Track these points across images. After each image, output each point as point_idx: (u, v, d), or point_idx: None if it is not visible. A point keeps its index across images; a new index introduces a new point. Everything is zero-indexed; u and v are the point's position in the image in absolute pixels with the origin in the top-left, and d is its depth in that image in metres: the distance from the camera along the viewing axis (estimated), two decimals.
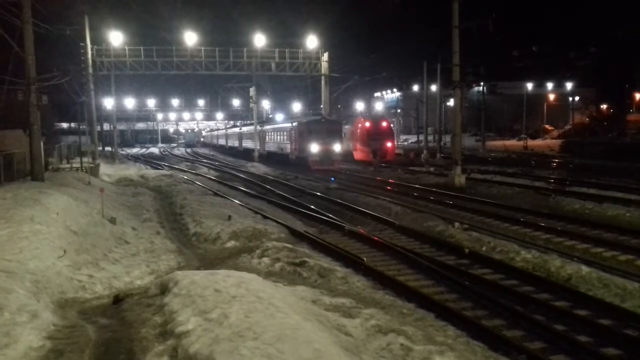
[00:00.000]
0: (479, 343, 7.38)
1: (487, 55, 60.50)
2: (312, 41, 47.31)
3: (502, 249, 12.45)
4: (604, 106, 77.25)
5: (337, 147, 36.81)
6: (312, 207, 19.00)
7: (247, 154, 53.66)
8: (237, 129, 65.39)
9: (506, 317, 8.52)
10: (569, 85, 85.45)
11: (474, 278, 10.42)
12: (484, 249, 12.76)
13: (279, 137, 44.83)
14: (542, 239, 14.06)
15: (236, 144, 63.11)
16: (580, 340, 7.58)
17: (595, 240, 13.33)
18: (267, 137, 49.22)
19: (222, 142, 78.84)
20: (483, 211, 17.82)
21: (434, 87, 55.11)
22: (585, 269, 10.46)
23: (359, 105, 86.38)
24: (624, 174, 27.84)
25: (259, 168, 39.16)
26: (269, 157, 46.85)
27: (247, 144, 56.65)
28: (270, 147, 47.73)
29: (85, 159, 30.32)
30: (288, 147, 40.87)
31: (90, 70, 41.73)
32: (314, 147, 36.20)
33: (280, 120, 55.92)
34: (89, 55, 41.54)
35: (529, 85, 79.89)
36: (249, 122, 65.76)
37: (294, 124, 40.04)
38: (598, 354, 7.14)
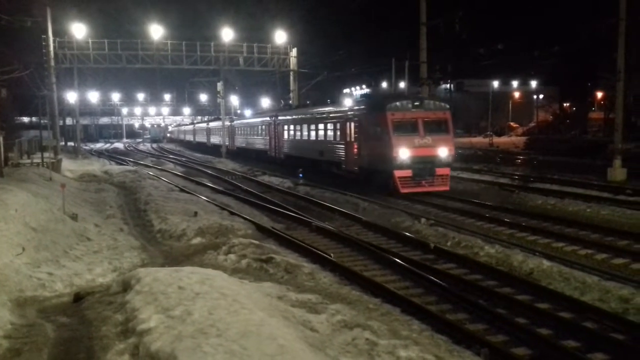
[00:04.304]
0: (443, 337, 7.47)
1: (454, 53, 61.20)
2: (280, 36, 47.21)
3: (466, 244, 12.62)
4: (566, 104, 79.13)
5: (443, 152, 20.39)
6: (280, 203, 18.93)
7: (237, 155, 44.30)
8: (224, 122, 49.78)
9: (470, 311, 8.64)
10: (533, 84, 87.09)
11: (439, 273, 10.53)
12: (449, 244, 12.92)
13: (315, 132, 27.93)
14: (505, 234, 14.31)
15: (218, 141, 50.45)
16: (541, 333, 7.73)
17: (557, 235, 13.61)
18: (286, 133, 32.92)
19: (200, 138, 63.31)
20: (449, 207, 18.05)
21: (402, 84, 55.43)
22: (546, 263, 10.68)
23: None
24: (585, 171, 28.49)
25: (227, 164, 38.82)
26: (288, 163, 31.54)
27: (240, 141, 44.14)
28: (297, 149, 31.14)
29: (46, 155, 29.60)
30: (339, 152, 24.75)
31: (53, 63, 40.76)
32: (403, 152, 19.81)
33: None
34: (51, 48, 40.60)
35: (495, 83, 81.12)
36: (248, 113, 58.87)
37: (352, 111, 23.90)
38: (558, 346, 7.29)
